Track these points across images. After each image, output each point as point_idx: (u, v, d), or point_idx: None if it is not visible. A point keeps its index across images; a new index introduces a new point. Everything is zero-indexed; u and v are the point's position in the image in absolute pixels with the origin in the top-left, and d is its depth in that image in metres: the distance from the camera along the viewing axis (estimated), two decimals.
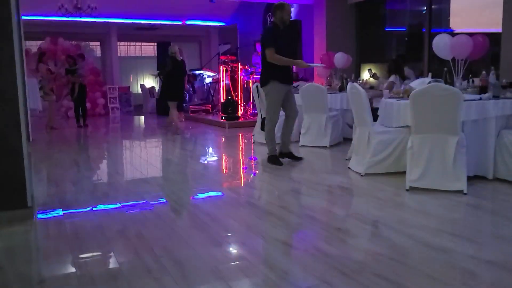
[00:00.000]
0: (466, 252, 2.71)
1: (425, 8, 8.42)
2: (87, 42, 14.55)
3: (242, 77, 10.00)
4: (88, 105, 12.74)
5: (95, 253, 2.84)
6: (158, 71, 8.43)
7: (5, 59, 3.31)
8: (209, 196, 4.25)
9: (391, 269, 2.49)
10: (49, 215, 3.66)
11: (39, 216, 3.62)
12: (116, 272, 2.56)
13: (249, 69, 10.04)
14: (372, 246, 2.91)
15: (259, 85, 7.11)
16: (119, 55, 15.15)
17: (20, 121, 3.42)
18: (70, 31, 13.49)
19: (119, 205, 4.01)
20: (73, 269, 2.59)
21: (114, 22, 13.55)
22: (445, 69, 5.09)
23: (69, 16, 10.83)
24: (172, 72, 8.27)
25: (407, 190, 4.05)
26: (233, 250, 2.85)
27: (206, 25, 14.82)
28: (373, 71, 7.94)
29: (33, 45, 13.20)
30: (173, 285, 2.34)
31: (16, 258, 2.80)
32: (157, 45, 13.42)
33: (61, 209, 3.78)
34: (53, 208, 3.83)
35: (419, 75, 7.31)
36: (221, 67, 10.32)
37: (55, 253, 2.88)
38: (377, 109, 5.28)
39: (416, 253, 2.75)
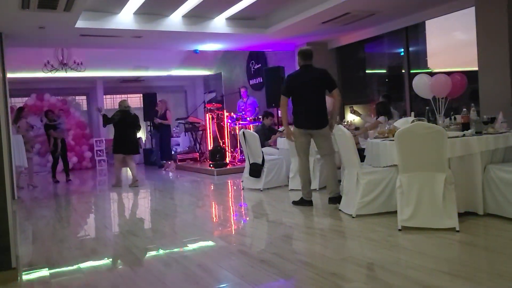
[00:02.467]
0: None
1: (403, 50, 8.72)
2: (73, 97, 14.66)
3: (228, 124, 10.08)
4: (74, 158, 12.69)
5: None
6: (103, 114, 8.51)
7: None
8: (200, 246, 4.16)
9: None
10: (35, 276, 3.53)
11: (24, 277, 3.49)
12: None
13: (235, 116, 10.14)
14: None
15: (245, 131, 7.18)
16: (105, 107, 15.23)
17: (5, 180, 3.36)
18: (56, 86, 13.58)
19: (108, 261, 3.90)
20: None
21: (100, 76, 13.72)
22: (427, 107, 5.21)
23: (55, 72, 10.95)
24: (120, 125, 8.34)
25: (399, 230, 4.02)
26: None
27: (191, 75, 15.07)
28: (354, 109, 8.08)
29: (19, 102, 13.23)
30: None
31: None
32: (143, 97, 13.55)
33: (47, 268, 3.65)
34: (39, 268, 3.70)
35: (402, 114, 7.46)
36: (207, 115, 10.42)
37: None
38: (363, 149, 5.32)
39: None
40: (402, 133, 4.03)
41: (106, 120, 8.47)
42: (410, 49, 8.67)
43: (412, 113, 5.03)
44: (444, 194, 3.90)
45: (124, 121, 8.34)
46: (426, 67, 8.60)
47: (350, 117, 9.06)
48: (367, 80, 10.22)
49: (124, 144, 8.35)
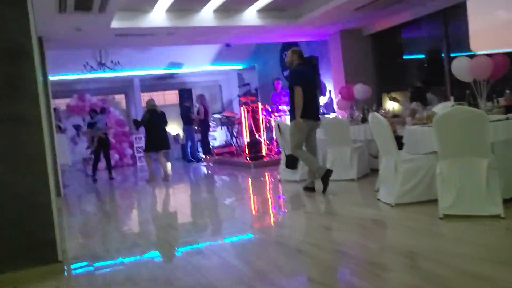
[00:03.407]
0: (510, 279, 2.56)
1: (442, 33, 8.41)
2: (113, 96, 15.06)
3: (263, 116, 10.08)
4: (116, 156, 13.06)
5: None
6: (133, 119, 8.86)
7: (32, 117, 3.43)
8: (239, 239, 4.20)
9: None
10: (80, 268, 3.67)
11: (70, 270, 3.63)
12: None
13: (270, 108, 10.12)
14: (409, 278, 2.78)
15: (280, 123, 7.16)
16: (143, 105, 15.57)
17: (49, 178, 3.50)
18: (96, 86, 14.01)
19: (148, 254, 4.00)
20: None
21: (136, 74, 14.03)
22: (468, 91, 5.01)
23: (93, 72, 11.29)
24: (149, 124, 8.62)
25: (441, 218, 3.90)
26: None
27: (225, 69, 15.16)
28: (393, 96, 7.86)
29: (62, 103, 13.73)
30: None
31: None
32: (179, 92, 13.75)
33: (92, 262, 3.78)
34: (84, 261, 3.84)
35: (443, 100, 7.21)
36: (242, 108, 10.45)
37: None
38: (401, 137, 5.19)
39: (457, 283, 2.61)
40: (441, 118, 3.90)
41: (137, 124, 8.88)
42: (450, 31, 8.35)
43: (452, 98, 4.85)
44: (487, 180, 3.75)
45: (152, 120, 8.62)
46: (467, 49, 8.26)
47: (390, 105, 8.87)
48: (404, 66, 9.95)
49: (154, 142, 8.65)
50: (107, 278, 3.37)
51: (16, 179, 3.37)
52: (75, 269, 3.66)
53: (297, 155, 5.81)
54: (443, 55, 8.47)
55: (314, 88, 5.81)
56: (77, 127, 11.65)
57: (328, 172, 5.62)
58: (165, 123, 8.88)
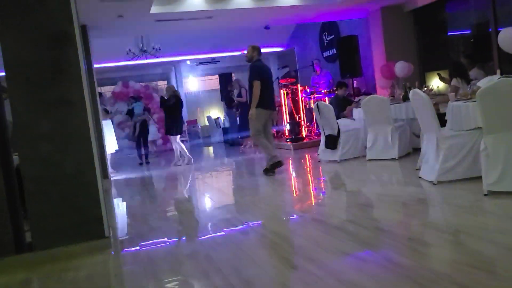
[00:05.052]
0: None
1: (489, 6, 8.00)
2: (156, 82, 15.39)
3: (303, 98, 10.02)
4: (160, 141, 13.38)
5: (168, 277, 2.92)
6: (160, 96, 9.27)
7: (77, 99, 3.59)
8: (278, 217, 4.24)
9: (475, 278, 2.31)
10: (126, 244, 3.84)
11: (117, 245, 3.80)
12: None
13: (309, 90, 10.04)
14: (451, 255, 2.74)
15: (319, 103, 7.11)
16: (185, 91, 15.84)
17: (94, 158, 3.66)
18: (139, 73, 14.37)
19: (190, 231, 4.12)
20: None
21: (177, 60, 14.25)
22: None
23: (136, 60, 11.56)
24: (175, 108, 8.95)
25: (485, 195, 3.78)
26: (301, 266, 2.80)
27: (264, 51, 15.09)
28: (442, 75, 7.58)
29: (108, 91, 14.19)
30: None
31: (97, 285, 2.95)
32: (219, 77, 13.87)
33: (137, 238, 3.95)
34: (130, 238, 4.01)
35: (490, 75, 6.89)
36: (281, 90, 10.42)
37: (132, 278, 3.01)
38: (444, 114, 5.03)
39: (503, 260, 2.54)
40: (485, 92, 3.74)
41: (164, 102, 9.18)
42: (498, 4, 7.93)
43: (498, 71, 4.63)
44: None
45: (175, 105, 8.96)
46: None
47: (434, 83, 8.58)
48: (449, 42, 9.55)
49: (179, 125, 9.07)
50: (150, 254, 3.51)
51: (64, 159, 3.55)
52: (121, 245, 3.83)
53: (256, 141, 6.48)
54: (490, 29, 8.06)
55: (271, 82, 6.55)
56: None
57: (279, 163, 6.39)
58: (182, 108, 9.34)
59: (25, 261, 3.43)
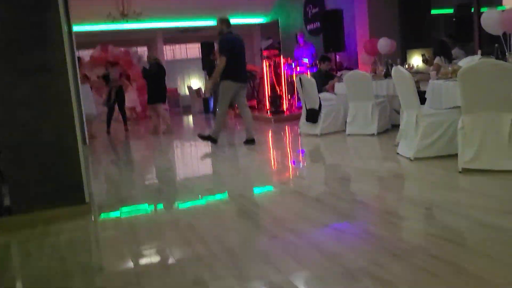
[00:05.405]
0: None
1: None
2: (135, 48, 15.07)
3: (285, 70, 9.99)
4: (139, 108, 13.22)
5: (149, 244, 2.96)
6: (143, 68, 9.13)
7: (58, 65, 3.50)
8: (258, 188, 4.30)
9: (447, 250, 2.41)
10: (107, 210, 3.84)
11: (97, 211, 3.80)
12: (169, 260, 2.65)
13: (292, 63, 10.01)
14: (426, 228, 2.84)
15: (302, 76, 7.11)
16: (165, 58, 15.57)
17: (75, 124, 3.61)
18: (119, 38, 14.01)
19: (170, 199, 4.15)
20: (129, 258, 2.72)
21: (159, 27, 13.94)
22: (496, 45, 4.86)
23: (116, 23, 11.24)
24: (156, 76, 8.88)
25: (460, 172, 3.90)
26: (281, 236, 2.87)
27: (247, 22, 14.91)
28: (427, 56, 7.63)
29: (86, 54, 13.83)
30: (224, 270, 2.40)
31: (77, 249, 2.97)
32: (201, 46, 13.65)
33: (118, 204, 3.95)
34: (110, 204, 4.01)
35: (470, 55, 6.99)
36: (264, 62, 10.35)
37: (113, 244, 3.03)
38: (424, 92, 5.12)
39: (473, 233, 2.66)
40: (466, 72, 3.82)
41: (146, 72, 9.06)
42: None
43: (479, 51, 4.71)
44: (510, 135, 3.70)
45: (155, 73, 8.86)
46: (500, 4, 7.92)
47: (414, 61, 8.66)
48: (432, 21, 9.61)
49: (160, 94, 9.00)
50: (131, 220, 3.53)
51: (43, 125, 3.49)
52: (101, 210, 3.84)
53: (219, 111, 6.67)
54: (473, 10, 8.14)
55: (242, 54, 6.52)
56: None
57: (214, 141, 6.65)
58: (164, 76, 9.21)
59: (4, 225, 3.41)
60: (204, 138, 6.76)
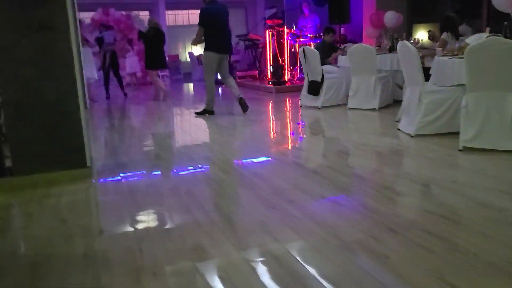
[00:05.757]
0: None
1: None
2: (137, 12, 14.80)
3: (288, 41, 9.86)
4: (139, 74, 13.09)
5: (149, 209, 2.99)
6: (139, 31, 8.98)
7: (60, 27, 3.45)
8: (257, 158, 4.32)
9: (443, 226, 2.45)
10: (107, 175, 3.86)
11: (98, 175, 3.83)
12: (169, 226, 2.69)
13: (296, 33, 9.87)
14: (423, 204, 2.87)
15: (305, 48, 7.03)
16: (167, 24, 15.32)
17: (77, 86, 3.59)
18: (121, 1, 13.74)
19: (170, 165, 4.17)
20: (129, 222, 2.75)
21: None
22: (505, 23, 4.78)
23: None
24: (154, 41, 8.71)
25: (460, 150, 3.92)
26: (279, 206, 2.90)
27: None
28: (433, 33, 7.50)
29: (86, 17, 13.60)
30: (223, 237, 2.44)
31: (78, 212, 3.00)
32: None
33: (118, 169, 3.98)
34: (111, 168, 4.03)
35: (477, 32, 6.89)
36: (267, 31, 10.21)
37: (113, 208, 3.06)
38: (429, 68, 5.08)
39: (470, 211, 2.69)
40: (473, 49, 3.78)
41: (142, 35, 8.88)
42: None
43: (488, 29, 4.64)
44: None
45: (155, 38, 8.68)
46: None
47: (420, 35, 8.55)
48: None
49: (158, 59, 8.87)
50: (132, 185, 3.55)
51: (45, 85, 3.46)
52: (102, 175, 3.86)
53: (205, 82, 6.76)
54: None
55: (223, 25, 6.51)
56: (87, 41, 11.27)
57: (210, 113, 6.79)
58: (164, 43, 9.03)
59: (5, 185, 3.43)
60: (200, 114, 6.86)
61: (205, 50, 6.53)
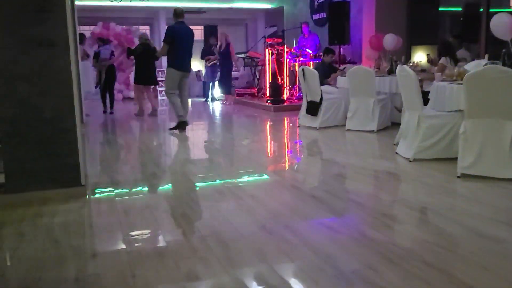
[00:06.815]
0: None
1: None
2: (137, 27, 14.87)
3: (288, 60, 9.91)
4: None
5: (143, 231, 2.94)
6: (127, 47, 9.15)
7: (60, 44, 3.44)
8: (254, 179, 4.28)
9: (440, 257, 2.42)
10: (101, 193, 3.82)
11: (92, 194, 3.78)
12: (164, 250, 2.64)
13: (296, 52, 9.92)
14: (420, 233, 2.84)
15: (305, 68, 7.05)
16: None
17: (74, 103, 3.56)
18: (121, 16, 13.83)
19: (166, 184, 4.12)
20: (123, 245, 2.70)
21: (162, 6, 13.75)
22: (504, 50, 4.81)
23: (119, 0, 11.06)
24: (141, 57, 8.86)
25: (458, 177, 3.90)
26: (276, 232, 2.86)
27: (252, 7, 14.73)
28: (432, 57, 7.56)
29: (87, 30, 13.65)
30: (218, 266, 2.39)
31: (71, 232, 2.94)
32: (204, 29, 13.49)
33: (112, 188, 3.93)
34: (105, 187, 3.99)
35: (475, 57, 6.95)
36: (266, 50, 10.25)
37: (107, 229, 3.01)
38: (427, 92, 5.09)
39: (467, 242, 2.66)
40: (472, 77, 3.78)
41: (130, 52, 9.09)
42: None
43: (486, 56, 4.67)
44: (511, 143, 3.69)
45: (144, 53, 8.79)
46: (508, 6, 7.85)
47: (418, 58, 8.60)
48: (439, 18, 9.52)
49: (145, 75, 8.97)
50: (126, 204, 3.51)
51: (42, 102, 3.44)
52: (96, 193, 3.81)
53: (168, 97, 6.94)
54: (481, 10, 8.06)
55: (186, 44, 6.75)
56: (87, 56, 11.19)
57: (184, 124, 6.87)
58: (156, 58, 9.12)
59: None
60: (173, 129, 6.93)
61: (168, 66, 6.81)
